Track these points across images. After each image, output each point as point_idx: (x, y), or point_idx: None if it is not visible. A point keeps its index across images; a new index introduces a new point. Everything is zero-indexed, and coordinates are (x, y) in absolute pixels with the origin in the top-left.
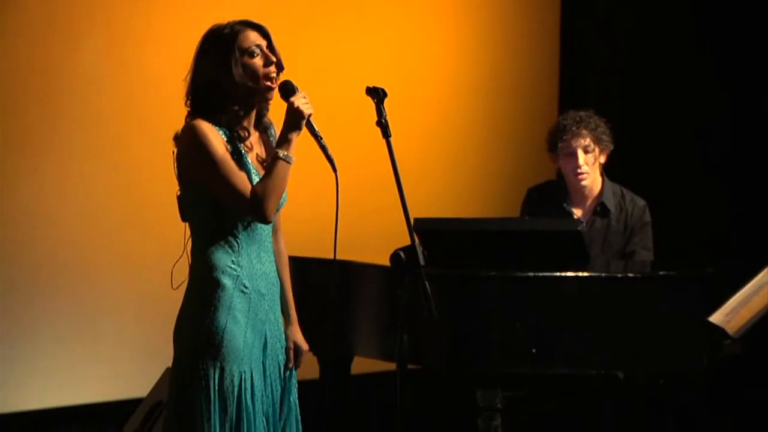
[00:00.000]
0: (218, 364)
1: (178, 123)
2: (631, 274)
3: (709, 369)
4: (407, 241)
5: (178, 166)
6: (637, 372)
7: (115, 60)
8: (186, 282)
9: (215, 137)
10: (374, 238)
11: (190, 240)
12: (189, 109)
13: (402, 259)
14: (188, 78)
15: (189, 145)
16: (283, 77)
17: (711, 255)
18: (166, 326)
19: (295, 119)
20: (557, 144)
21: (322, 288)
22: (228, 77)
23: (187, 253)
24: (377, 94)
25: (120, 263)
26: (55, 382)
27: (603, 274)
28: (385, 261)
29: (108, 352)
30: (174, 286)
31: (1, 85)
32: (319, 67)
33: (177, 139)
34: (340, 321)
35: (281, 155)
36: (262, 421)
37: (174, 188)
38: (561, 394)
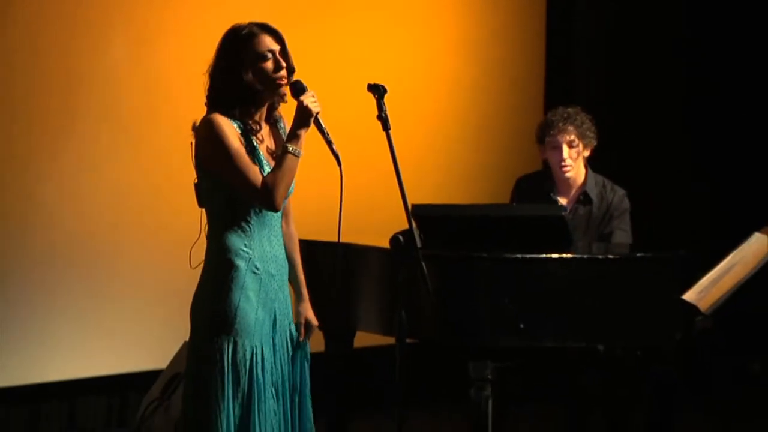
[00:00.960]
0: (232, 339)
1: (192, 116)
2: (610, 256)
3: (683, 342)
4: (405, 226)
5: (195, 156)
6: (615, 345)
7: (135, 61)
8: (202, 262)
9: (230, 130)
10: (375, 222)
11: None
12: (209, 101)
13: (401, 241)
14: (207, 73)
15: (206, 138)
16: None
17: (686, 239)
18: (183, 303)
19: (304, 116)
20: (545, 137)
21: (328, 268)
22: (239, 77)
23: (204, 236)
24: (378, 91)
25: (142, 245)
26: (82, 354)
27: (585, 256)
28: (385, 244)
29: (131, 327)
30: (192, 266)
31: (34, 84)
32: (324, 65)
33: (195, 130)
34: (344, 298)
35: (290, 149)
36: (271, 391)
37: (191, 176)
38: (546, 366)
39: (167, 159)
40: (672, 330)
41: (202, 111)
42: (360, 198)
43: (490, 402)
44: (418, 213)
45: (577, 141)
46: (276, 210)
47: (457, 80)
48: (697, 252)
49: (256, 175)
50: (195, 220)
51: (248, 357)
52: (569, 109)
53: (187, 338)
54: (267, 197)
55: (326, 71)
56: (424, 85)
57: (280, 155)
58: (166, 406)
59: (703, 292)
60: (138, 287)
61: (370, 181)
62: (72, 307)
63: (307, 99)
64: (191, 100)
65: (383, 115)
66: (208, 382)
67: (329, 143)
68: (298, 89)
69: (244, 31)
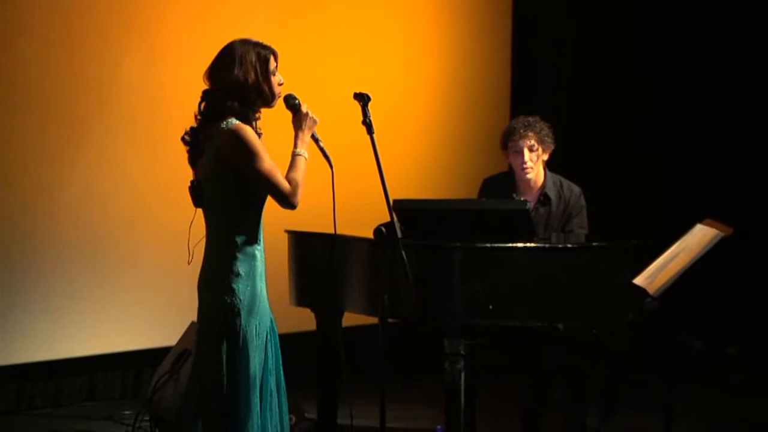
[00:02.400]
0: (257, 321)
1: None
2: (569, 245)
3: (633, 321)
4: (387, 219)
5: (220, 160)
6: (574, 324)
7: (148, 71)
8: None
9: (257, 137)
10: (360, 216)
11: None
12: (221, 106)
13: (383, 232)
14: (223, 80)
15: (239, 144)
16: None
17: (636, 230)
18: (191, 289)
19: (310, 125)
20: (508, 143)
21: (319, 256)
22: (263, 88)
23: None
24: (363, 99)
25: (154, 237)
26: (101, 333)
27: (546, 245)
28: (369, 234)
29: (144, 309)
30: (189, 263)
31: (62, 93)
32: (314, 76)
33: (223, 136)
34: (334, 283)
35: (303, 153)
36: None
37: None
38: (512, 342)
39: (178, 161)
40: (624, 311)
41: None
42: (346, 194)
43: (462, 374)
44: (399, 207)
45: (536, 146)
46: (295, 208)
47: (432, 91)
48: (646, 242)
49: (281, 175)
50: (201, 214)
51: (264, 335)
52: (530, 118)
53: (192, 320)
54: (293, 198)
55: (316, 81)
56: (403, 95)
57: (292, 160)
58: (176, 378)
59: (651, 277)
60: (151, 275)
61: (355, 177)
62: (92, 292)
63: (309, 111)
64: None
65: (367, 120)
66: (235, 355)
67: (322, 150)
68: (294, 102)
69: (259, 49)
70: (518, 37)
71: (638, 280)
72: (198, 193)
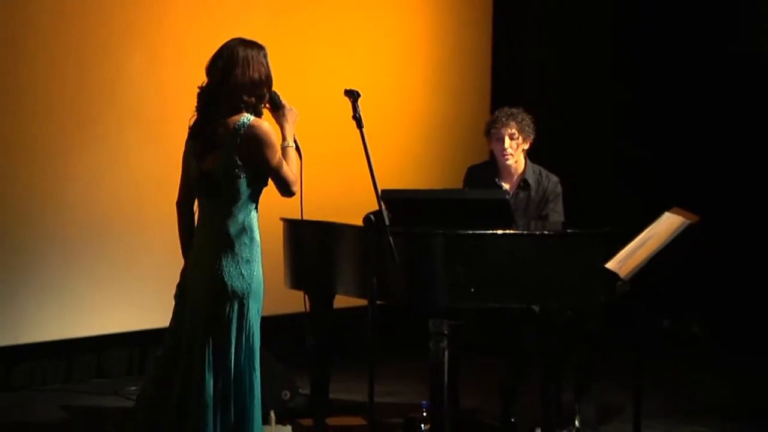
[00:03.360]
0: (259, 303)
1: None
2: (546, 232)
3: (606, 303)
4: (376, 207)
5: (242, 152)
6: (550, 306)
7: (151, 71)
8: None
9: (274, 133)
10: (351, 205)
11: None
12: (237, 102)
13: (372, 220)
14: (238, 78)
15: (262, 138)
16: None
17: (608, 217)
18: None
19: (293, 118)
20: (491, 131)
21: (312, 243)
22: (268, 81)
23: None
24: (353, 95)
25: (158, 225)
26: (108, 314)
27: (524, 232)
28: (359, 222)
29: (148, 291)
30: None
31: (68, 90)
32: (307, 75)
33: (246, 130)
34: (326, 268)
35: (292, 145)
36: None
37: None
38: (493, 323)
39: (178, 152)
40: (596, 293)
41: None
42: (338, 184)
43: (446, 353)
44: (387, 196)
45: (517, 134)
46: (294, 195)
47: (419, 86)
48: (618, 228)
49: (288, 168)
50: None
51: (259, 316)
52: (513, 109)
53: None
54: (295, 186)
55: (309, 79)
56: (392, 91)
57: (286, 152)
58: None
59: (622, 261)
60: (155, 259)
61: (344, 170)
62: (101, 276)
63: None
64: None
65: (357, 115)
66: (241, 335)
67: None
68: (278, 100)
69: (258, 45)
70: (499, 34)
71: (610, 265)
72: (210, 184)
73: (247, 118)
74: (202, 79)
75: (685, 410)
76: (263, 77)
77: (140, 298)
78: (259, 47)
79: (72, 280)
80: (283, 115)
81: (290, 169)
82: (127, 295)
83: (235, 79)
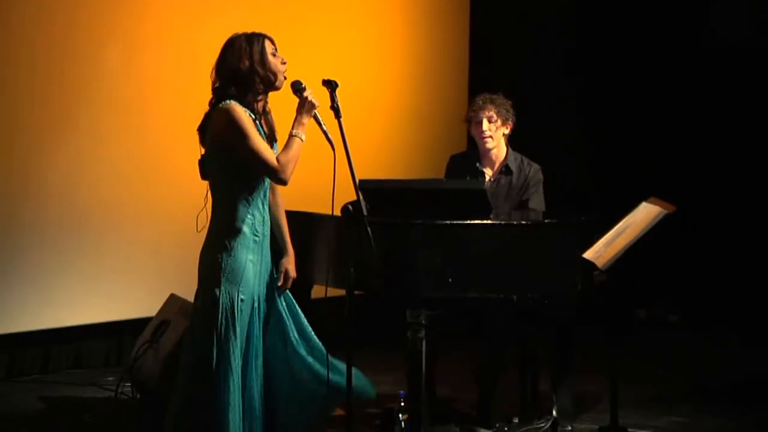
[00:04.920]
0: (238, 289)
1: (178, 107)
2: (524, 222)
3: (583, 292)
4: (354, 197)
5: (213, 136)
6: (527, 295)
7: (129, 60)
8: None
9: (248, 118)
10: (328, 195)
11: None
12: (222, 92)
13: (350, 210)
14: (222, 69)
15: (229, 121)
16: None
17: (586, 207)
18: (169, 264)
19: (309, 109)
20: (470, 114)
21: (291, 233)
22: (257, 69)
23: (207, 208)
24: (331, 85)
25: (137, 215)
26: (86, 305)
27: (502, 222)
28: (337, 212)
29: (125, 282)
30: (198, 230)
31: (48, 82)
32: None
33: (215, 115)
34: (304, 258)
35: (299, 135)
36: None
37: (176, 158)
38: (470, 312)
39: (157, 143)
40: (574, 283)
41: (187, 103)
42: (316, 175)
43: (423, 343)
44: (365, 186)
45: (495, 117)
46: (285, 184)
47: (397, 76)
48: (595, 218)
49: (271, 154)
50: (178, 195)
51: (248, 306)
52: (493, 95)
53: (173, 291)
54: (281, 174)
55: (288, 71)
56: (370, 81)
57: (288, 140)
58: (156, 347)
59: (599, 251)
60: (133, 251)
61: (323, 159)
62: (78, 267)
63: (310, 95)
64: (177, 94)
65: (335, 105)
66: (218, 323)
67: (325, 132)
68: (299, 87)
69: (253, 37)
70: (475, 25)
71: (588, 255)
72: (203, 168)
73: (224, 103)
74: (181, 71)
75: (662, 399)
76: (243, 66)
77: (118, 289)
78: (252, 36)
79: (50, 271)
80: (300, 104)
81: (283, 156)
82: (105, 286)
83: (220, 70)
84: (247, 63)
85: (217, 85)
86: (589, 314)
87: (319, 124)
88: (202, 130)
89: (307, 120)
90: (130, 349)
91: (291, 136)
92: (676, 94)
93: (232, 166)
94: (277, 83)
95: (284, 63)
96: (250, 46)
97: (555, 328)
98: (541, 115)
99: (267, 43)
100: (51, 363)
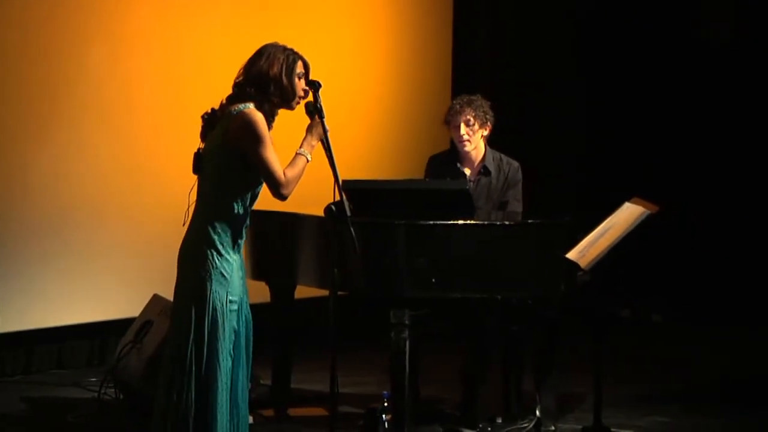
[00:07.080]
0: (226, 291)
1: (162, 106)
2: (506, 222)
3: (566, 292)
4: (337, 197)
5: (229, 137)
6: (511, 296)
7: (113, 60)
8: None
9: (266, 125)
10: (312, 195)
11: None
12: (241, 89)
13: (333, 211)
14: (250, 67)
15: (247, 126)
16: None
17: (571, 206)
18: (152, 264)
19: (320, 132)
20: (448, 118)
21: (274, 233)
22: (282, 79)
23: (189, 205)
24: (314, 85)
25: (119, 216)
26: (69, 305)
27: (485, 222)
28: (320, 212)
29: (108, 283)
30: (183, 225)
31: (32, 80)
32: None
33: (236, 116)
34: (288, 258)
35: (305, 154)
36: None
37: (160, 157)
38: (454, 313)
39: (140, 143)
40: (557, 283)
41: (170, 102)
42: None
43: (407, 342)
44: (348, 187)
45: (473, 120)
46: (284, 199)
47: (380, 76)
48: (578, 218)
49: (279, 167)
50: (162, 194)
51: (235, 307)
52: (471, 96)
53: (156, 291)
54: (284, 189)
55: None
56: (353, 81)
57: (295, 157)
58: (139, 347)
59: (583, 251)
60: (116, 250)
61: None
62: (61, 267)
63: (324, 120)
64: (161, 93)
65: (318, 106)
66: (203, 322)
67: (330, 158)
68: (316, 108)
69: (289, 52)
70: (458, 26)
71: (570, 255)
72: (198, 162)
73: (245, 105)
74: (166, 70)
75: (646, 399)
76: (272, 73)
77: (101, 289)
78: (290, 51)
79: (33, 271)
80: (310, 126)
81: (289, 172)
82: (88, 286)
83: (247, 70)
84: (275, 70)
85: (240, 80)
86: (573, 314)
87: (328, 148)
88: (210, 123)
89: (316, 143)
90: (113, 349)
91: (298, 154)
92: (672, 94)
93: (239, 168)
94: (293, 103)
95: (306, 92)
96: (286, 57)
97: (538, 329)
98: (523, 115)
99: (300, 63)
100: (34, 363)
